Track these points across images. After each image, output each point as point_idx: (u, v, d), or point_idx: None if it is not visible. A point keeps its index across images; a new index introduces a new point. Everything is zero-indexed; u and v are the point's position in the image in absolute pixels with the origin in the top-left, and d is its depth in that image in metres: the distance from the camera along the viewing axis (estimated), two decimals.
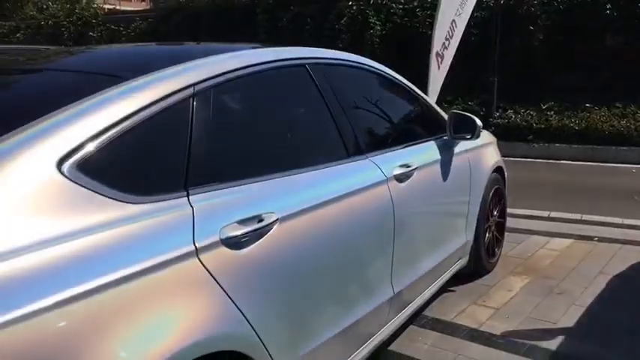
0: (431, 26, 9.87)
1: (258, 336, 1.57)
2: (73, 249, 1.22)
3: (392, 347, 2.74)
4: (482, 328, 2.93)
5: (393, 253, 2.34)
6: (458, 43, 5.92)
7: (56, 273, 1.17)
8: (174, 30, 12.37)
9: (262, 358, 1.60)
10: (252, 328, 1.55)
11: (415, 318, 3.00)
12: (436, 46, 5.58)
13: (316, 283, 1.87)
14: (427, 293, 2.86)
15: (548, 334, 2.86)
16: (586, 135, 8.22)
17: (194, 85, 1.65)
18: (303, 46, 2.32)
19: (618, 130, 8.05)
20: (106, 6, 17.10)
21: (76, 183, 1.28)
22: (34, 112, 1.33)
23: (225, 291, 1.48)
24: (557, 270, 3.69)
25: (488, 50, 8.59)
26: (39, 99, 1.51)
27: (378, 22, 10.72)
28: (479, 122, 2.92)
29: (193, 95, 1.63)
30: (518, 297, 3.31)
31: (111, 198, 1.33)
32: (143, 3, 32.11)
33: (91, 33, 13.71)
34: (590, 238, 4.28)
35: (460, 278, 3.44)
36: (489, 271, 3.64)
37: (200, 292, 1.43)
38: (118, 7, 21.02)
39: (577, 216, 4.86)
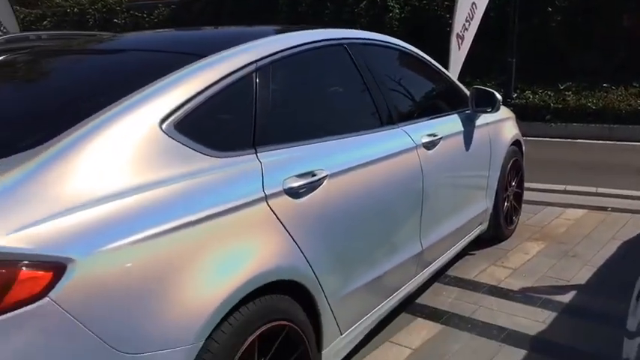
0: (448, 9, 10.09)
1: (313, 270, 1.88)
2: (172, 191, 1.53)
3: (418, 300, 3.05)
4: (500, 285, 3.22)
5: (422, 212, 2.63)
6: (478, 24, 6.13)
7: (161, 209, 1.48)
8: (197, 16, 12.65)
9: (315, 290, 1.91)
10: (308, 263, 1.86)
11: (439, 276, 3.30)
12: (457, 27, 5.80)
13: (358, 231, 2.17)
14: (450, 253, 3.15)
15: (562, 290, 3.14)
16: (603, 114, 8.36)
17: (256, 61, 1.94)
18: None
19: (635, 109, 8.18)
20: None
21: (173, 139, 1.59)
22: (139, 82, 1.64)
23: (288, 231, 1.79)
24: (571, 236, 3.95)
25: (506, 32, 8.74)
26: (140, 72, 1.83)
27: (396, 6, 10.90)
28: (498, 96, 3.18)
29: (256, 70, 1.93)
30: (534, 259, 3.59)
31: (199, 152, 1.64)
32: None
33: (115, 20, 14.06)
34: (603, 209, 4.53)
35: (480, 243, 3.73)
36: (507, 238, 3.91)
37: (269, 230, 1.74)
38: None
39: (592, 189, 5.09)
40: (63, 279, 1.23)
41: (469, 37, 6.03)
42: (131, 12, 14.19)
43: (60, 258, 1.24)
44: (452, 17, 6.15)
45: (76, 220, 1.30)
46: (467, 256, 3.62)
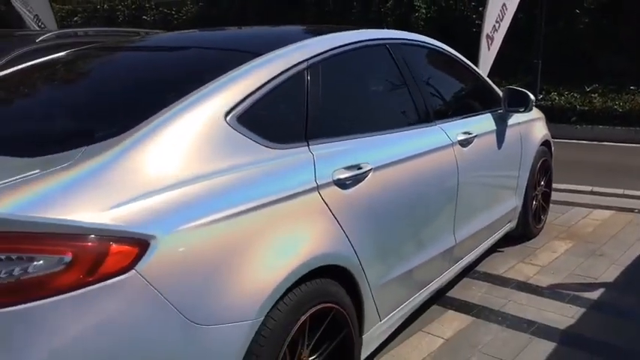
0: (475, 9, 10.14)
1: (358, 257, 2.00)
2: (237, 178, 1.65)
3: (449, 293, 3.15)
4: (529, 281, 3.30)
5: (456, 207, 2.73)
6: (508, 25, 6.20)
7: (228, 194, 1.61)
8: (224, 14, 12.84)
9: (359, 276, 2.02)
10: (354, 250, 1.98)
11: (468, 272, 3.39)
12: (487, 28, 5.87)
13: (398, 223, 2.28)
14: (481, 248, 3.24)
15: (590, 287, 3.21)
16: (629, 117, 8.34)
17: (307, 60, 2.06)
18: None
19: None
20: None
21: (236, 130, 1.72)
22: (204, 77, 1.77)
23: (337, 220, 1.91)
24: (598, 236, 4.01)
25: (533, 33, 8.76)
26: (203, 68, 1.96)
27: (423, 5, 10.97)
28: (532, 96, 3.26)
29: (307, 68, 2.05)
30: (562, 257, 3.66)
31: (258, 143, 1.77)
32: None
33: (144, 17, 14.33)
34: (630, 210, 4.57)
35: (508, 241, 3.81)
36: (535, 236, 3.99)
37: (320, 218, 1.86)
38: None
39: (619, 191, 5.13)
40: (147, 254, 1.36)
41: (499, 37, 6.10)
42: (160, 9, 14.44)
43: (144, 235, 1.37)
44: (481, 18, 6.21)
45: (156, 202, 1.43)
46: (495, 253, 3.71)
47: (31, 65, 2.33)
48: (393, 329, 2.47)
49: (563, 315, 2.89)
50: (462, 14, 10.51)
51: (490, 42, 5.95)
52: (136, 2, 14.72)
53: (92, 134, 1.54)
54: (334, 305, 1.89)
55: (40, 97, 2.08)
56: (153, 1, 14.71)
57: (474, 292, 3.19)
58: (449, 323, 2.84)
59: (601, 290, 3.16)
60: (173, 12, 14.07)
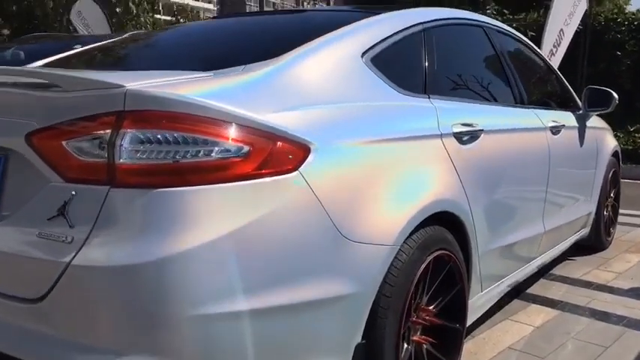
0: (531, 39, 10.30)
1: (471, 211, 1.99)
2: (373, 110, 1.71)
3: (529, 291, 3.08)
4: (609, 284, 3.22)
5: (546, 193, 2.71)
6: (564, 51, 6.29)
7: (368, 122, 1.66)
8: None
9: (471, 232, 2.01)
10: (468, 203, 1.97)
11: (544, 274, 3.33)
12: (544, 51, 5.96)
13: (503, 188, 2.30)
14: (561, 246, 3.20)
15: None
16: None
17: (422, 23, 2.13)
18: None
19: None
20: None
21: (371, 70, 1.77)
22: (341, 23, 1.84)
23: (456, 170, 1.92)
24: None
25: (574, 72, 8.81)
26: (337, 18, 2.07)
27: None
28: (615, 95, 3.27)
29: (423, 30, 2.11)
30: (636, 267, 3.57)
31: (388, 85, 1.81)
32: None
33: None
34: None
35: (578, 251, 3.74)
36: (605, 248, 3.91)
37: (444, 164, 1.88)
38: None
39: None
40: (308, 159, 1.39)
41: (556, 61, 6.18)
42: None
43: (307, 141, 1.40)
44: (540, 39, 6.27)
45: (312, 116, 1.47)
46: (568, 261, 3.64)
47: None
48: (488, 307, 2.42)
49: None
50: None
51: None
52: None
53: (249, 59, 1.58)
54: (452, 254, 1.87)
55: (201, 40, 2.22)
56: None
57: (554, 290, 3.12)
58: (536, 314, 2.77)
59: None
60: None
